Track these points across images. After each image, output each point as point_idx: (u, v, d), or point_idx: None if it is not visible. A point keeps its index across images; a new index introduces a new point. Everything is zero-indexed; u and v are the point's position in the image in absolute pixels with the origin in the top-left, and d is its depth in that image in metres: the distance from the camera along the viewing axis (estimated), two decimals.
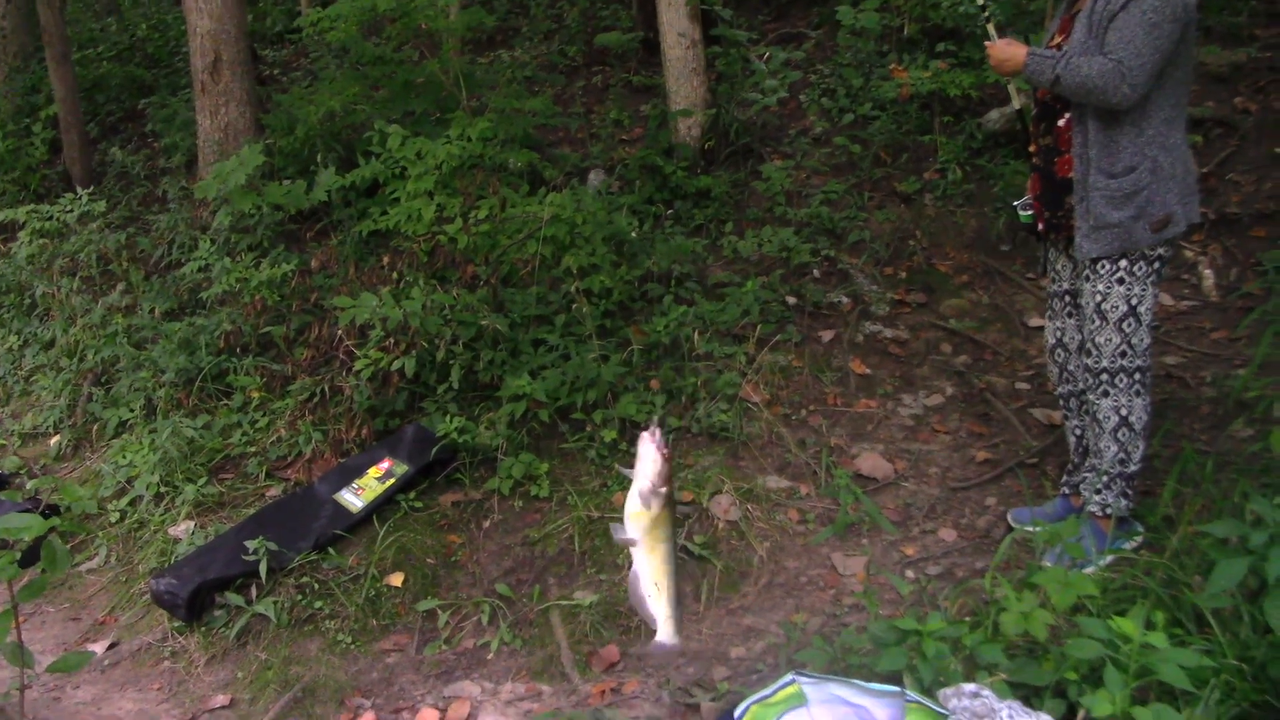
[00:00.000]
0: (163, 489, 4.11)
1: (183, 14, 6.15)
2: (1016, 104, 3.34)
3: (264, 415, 4.39)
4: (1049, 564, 3.03)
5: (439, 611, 3.51)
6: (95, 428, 4.72)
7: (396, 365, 4.09)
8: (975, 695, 2.17)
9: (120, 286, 5.36)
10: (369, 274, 4.88)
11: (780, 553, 3.56)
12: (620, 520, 2.27)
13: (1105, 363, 3.11)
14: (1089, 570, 2.98)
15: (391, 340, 4.20)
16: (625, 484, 3.72)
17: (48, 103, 7.24)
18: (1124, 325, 3.05)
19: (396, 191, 4.89)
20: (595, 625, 3.35)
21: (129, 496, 4.16)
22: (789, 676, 2.39)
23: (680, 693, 2.95)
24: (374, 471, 3.94)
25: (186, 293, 5.21)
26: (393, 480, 3.90)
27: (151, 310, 5.13)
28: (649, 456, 2.21)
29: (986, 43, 3.18)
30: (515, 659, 3.30)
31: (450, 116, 5.32)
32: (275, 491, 4.08)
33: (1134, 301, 3.03)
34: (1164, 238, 2.97)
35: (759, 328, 4.54)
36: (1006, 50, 3.06)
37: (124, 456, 4.28)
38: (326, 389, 4.36)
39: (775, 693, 2.35)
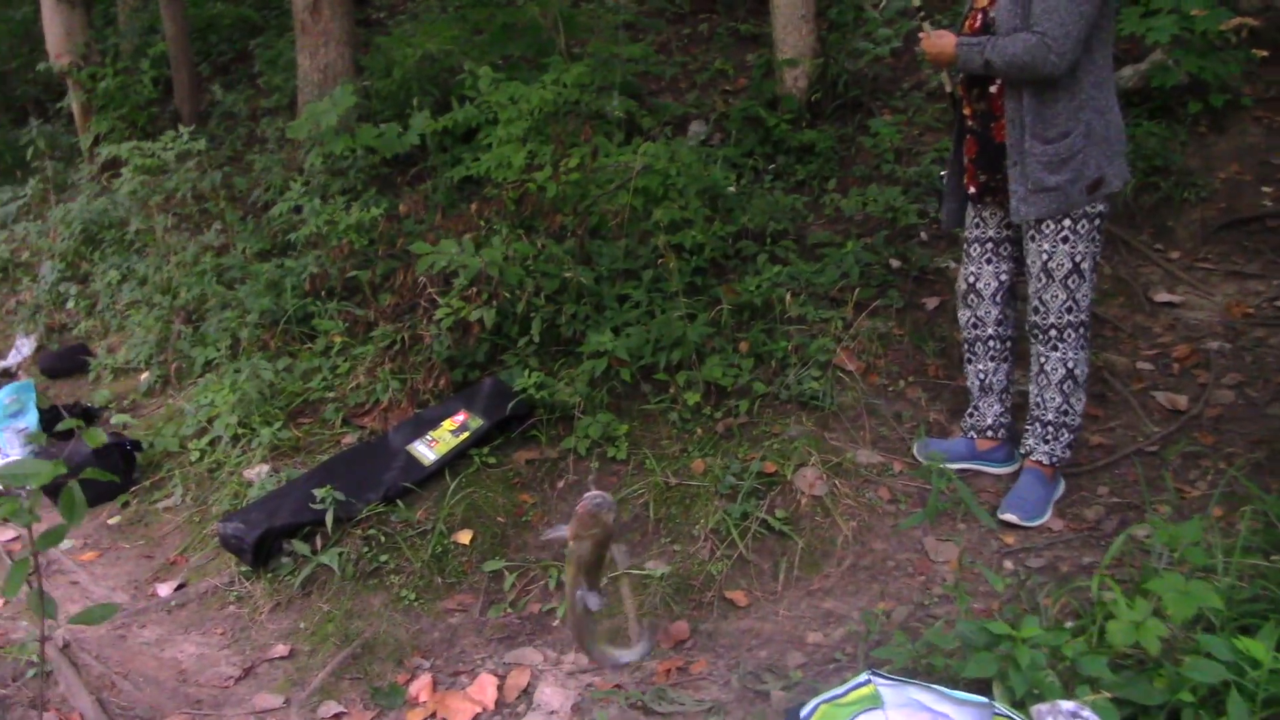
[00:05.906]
0: (240, 431, 4.08)
1: None
2: (949, 88, 3.36)
3: (345, 361, 4.32)
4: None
5: (506, 573, 3.39)
6: (183, 365, 4.73)
7: (476, 315, 3.96)
8: (1074, 715, 1.93)
9: (216, 225, 5.35)
10: (456, 221, 4.75)
11: (868, 533, 3.33)
12: None
13: (1053, 319, 3.17)
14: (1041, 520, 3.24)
15: (474, 290, 4.06)
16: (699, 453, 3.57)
17: (163, 42, 7.30)
18: (1069, 282, 3.11)
19: (489, 137, 4.74)
20: (666, 599, 3.19)
21: (209, 437, 4.14)
22: (864, 676, 2.19)
23: (750, 678, 2.77)
24: (448, 424, 3.83)
25: (279, 234, 5.17)
26: (467, 434, 3.78)
27: (244, 250, 5.10)
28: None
29: (920, 34, 3.22)
30: None
31: (547, 61, 5.14)
32: (351, 439, 4.00)
33: (1078, 259, 3.09)
34: (1099, 196, 3.03)
35: (858, 291, 4.25)
36: (938, 43, 3.10)
37: (206, 396, 4.26)
38: (407, 337, 4.26)
39: (848, 693, 2.16)
